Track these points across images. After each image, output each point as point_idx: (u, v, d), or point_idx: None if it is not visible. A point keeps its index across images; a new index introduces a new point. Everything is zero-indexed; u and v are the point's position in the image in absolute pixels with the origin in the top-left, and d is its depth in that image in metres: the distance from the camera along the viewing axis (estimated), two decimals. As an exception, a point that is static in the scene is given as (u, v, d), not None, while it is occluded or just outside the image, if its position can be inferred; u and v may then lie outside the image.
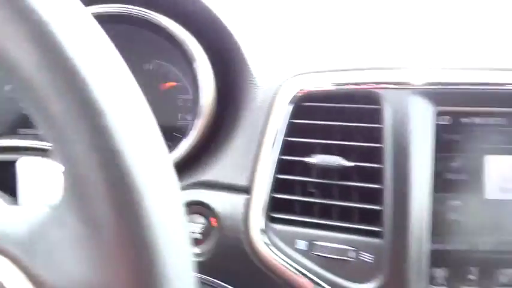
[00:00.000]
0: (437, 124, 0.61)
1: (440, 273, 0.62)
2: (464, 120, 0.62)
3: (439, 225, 0.61)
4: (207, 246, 0.66)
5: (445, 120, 0.61)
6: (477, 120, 0.62)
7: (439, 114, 0.60)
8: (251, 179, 0.63)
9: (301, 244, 0.60)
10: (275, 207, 0.63)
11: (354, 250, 0.58)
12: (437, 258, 0.61)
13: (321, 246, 0.60)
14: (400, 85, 0.58)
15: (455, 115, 0.61)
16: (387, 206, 0.57)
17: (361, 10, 0.76)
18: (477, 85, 0.60)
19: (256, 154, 0.63)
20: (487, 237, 0.62)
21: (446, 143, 0.62)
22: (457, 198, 0.62)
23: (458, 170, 0.62)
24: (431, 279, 0.61)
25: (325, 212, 0.61)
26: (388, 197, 0.57)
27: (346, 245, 0.59)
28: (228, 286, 0.66)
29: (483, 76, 0.60)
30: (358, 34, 0.69)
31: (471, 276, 0.62)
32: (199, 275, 0.66)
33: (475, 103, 0.61)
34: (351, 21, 0.73)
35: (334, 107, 0.61)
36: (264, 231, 0.61)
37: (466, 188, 0.62)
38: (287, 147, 0.63)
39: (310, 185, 0.62)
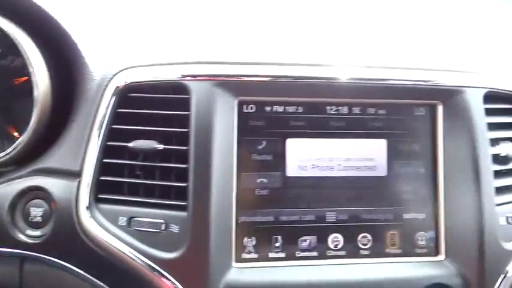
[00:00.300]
0: (242, 112, 0.71)
1: (249, 242, 0.71)
2: (267, 108, 0.72)
3: (246, 200, 0.71)
4: (47, 228, 0.71)
5: (250, 109, 0.71)
6: (279, 108, 0.73)
7: (242, 103, 0.70)
8: (82, 164, 0.69)
9: (122, 221, 0.67)
10: (103, 189, 0.70)
11: (164, 223, 0.66)
12: (246, 229, 0.71)
13: (138, 221, 0.67)
14: (205, 77, 0.68)
15: (259, 104, 0.71)
16: (191, 183, 0.66)
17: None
18: (275, 77, 0.70)
19: (87, 141, 0.70)
20: (289, 210, 0.72)
21: (252, 128, 0.72)
22: (262, 176, 0.72)
23: (263, 152, 0.72)
24: (242, 248, 0.71)
25: (143, 190, 0.69)
26: (192, 175, 0.66)
27: (158, 219, 0.66)
28: (66, 264, 0.71)
29: (281, 70, 0.70)
30: (176, 30, 0.77)
31: (277, 244, 0.72)
32: (40, 255, 0.71)
33: (275, 93, 0.71)
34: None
35: (152, 97, 0.69)
36: (90, 211, 0.68)
37: (269, 167, 0.72)
38: (112, 134, 0.70)
39: (131, 168, 0.69)
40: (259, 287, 0.67)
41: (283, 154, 0.72)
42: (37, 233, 0.71)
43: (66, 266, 0.71)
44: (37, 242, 0.70)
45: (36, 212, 0.72)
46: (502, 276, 0.73)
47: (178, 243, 0.65)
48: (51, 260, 0.71)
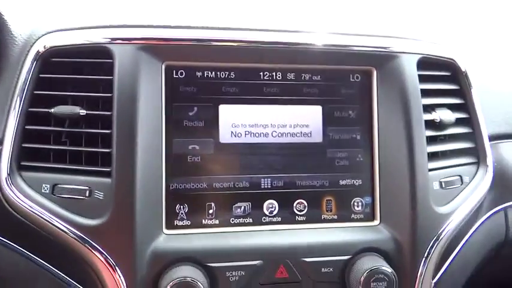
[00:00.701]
0: (172, 78, 0.69)
1: (181, 209, 0.70)
2: (198, 74, 0.71)
3: (177, 167, 0.70)
4: None
5: (180, 74, 0.70)
6: (210, 74, 0.71)
7: (171, 68, 0.68)
8: (4, 131, 0.67)
9: (46, 188, 0.65)
10: (27, 157, 0.67)
11: (88, 190, 0.64)
12: (178, 196, 0.70)
13: (62, 188, 0.65)
14: (128, 41, 0.65)
15: (189, 70, 0.70)
16: (115, 149, 0.64)
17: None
18: (202, 41, 0.68)
19: (9, 108, 0.67)
20: (222, 177, 0.71)
21: (182, 94, 0.70)
22: (194, 143, 0.70)
23: (194, 118, 0.70)
24: (174, 215, 0.70)
25: (67, 157, 0.67)
26: (115, 141, 0.64)
27: (83, 186, 0.65)
28: None
29: (209, 33, 0.69)
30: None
31: (210, 211, 0.71)
32: None
33: (205, 58, 0.70)
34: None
35: (75, 61, 0.67)
36: (12, 179, 0.65)
37: (201, 134, 0.71)
38: (35, 100, 0.67)
39: (56, 134, 0.67)
40: (188, 252, 0.66)
41: (216, 120, 0.71)
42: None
43: (-8, 237, 0.68)
44: None
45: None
46: (434, 239, 0.75)
47: (102, 210, 0.64)
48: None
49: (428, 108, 0.78)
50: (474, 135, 0.82)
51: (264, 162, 0.72)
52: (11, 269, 0.69)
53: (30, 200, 0.65)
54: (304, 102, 0.74)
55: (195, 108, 0.70)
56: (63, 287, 0.68)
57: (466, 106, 0.82)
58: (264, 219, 0.72)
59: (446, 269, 0.79)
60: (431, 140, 0.78)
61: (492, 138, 0.85)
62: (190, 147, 0.70)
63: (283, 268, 0.69)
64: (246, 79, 0.72)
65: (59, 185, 0.65)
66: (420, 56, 0.76)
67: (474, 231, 0.82)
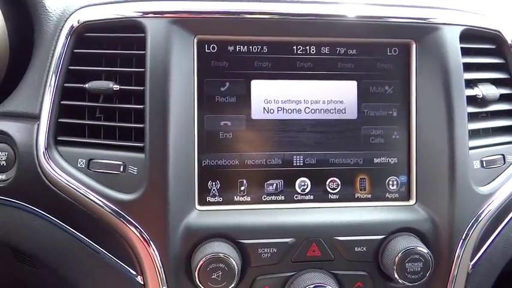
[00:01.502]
0: (204, 52, 0.68)
1: (213, 185, 0.70)
2: (230, 48, 0.69)
3: (209, 143, 0.69)
4: (12, 172, 0.70)
5: (211, 49, 0.68)
6: (242, 48, 0.70)
7: (203, 42, 0.67)
8: (41, 107, 0.68)
9: (81, 163, 0.66)
10: (62, 131, 0.68)
11: (123, 165, 0.65)
12: (210, 173, 0.69)
13: (97, 163, 0.66)
14: (160, 15, 0.64)
15: (221, 44, 0.68)
16: (147, 125, 0.64)
17: None
18: (236, 14, 0.66)
19: (45, 83, 0.68)
20: (254, 153, 0.70)
21: (214, 69, 0.69)
22: (226, 119, 0.70)
23: (226, 94, 0.69)
24: (206, 191, 0.69)
25: (102, 132, 0.67)
26: (148, 116, 0.64)
27: (117, 161, 0.65)
28: (31, 207, 0.71)
29: (242, 6, 0.67)
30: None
31: (242, 188, 0.71)
32: (6, 198, 0.71)
33: (237, 32, 0.68)
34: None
35: (108, 36, 0.66)
36: (49, 153, 0.67)
37: (233, 110, 0.70)
38: (70, 76, 0.68)
39: (90, 109, 0.68)
40: (220, 229, 0.66)
41: (248, 96, 0.70)
42: (2, 176, 0.70)
43: (31, 209, 0.70)
44: (2, 185, 0.70)
45: (0, 156, 0.71)
46: (473, 221, 0.72)
47: (136, 185, 0.64)
48: (17, 203, 0.70)
49: (470, 84, 0.74)
50: (519, 112, 0.78)
51: (296, 139, 0.71)
52: (48, 242, 0.71)
53: (67, 174, 0.66)
54: (339, 78, 0.71)
55: (227, 84, 0.69)
56: (98, 260, 0.70)
57: (511, 81, 0.78)
58: (296, 197, 0.71)
59: (485, 251, 0.76)
60: (473, 116, 0.74)
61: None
62: (222, 123, 0.69)
63: (316, 246, 0.68)
64: (279, 53, 0.70)
65: (94, 160, 0.66)
66: (463, 27, 0.72)
67: (516, 212, 0.79)
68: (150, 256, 0.65)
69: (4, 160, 0.71)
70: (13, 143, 0.69)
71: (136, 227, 0.65)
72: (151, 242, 0.65)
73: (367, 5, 0.70)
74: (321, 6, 0.69)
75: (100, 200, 0.65)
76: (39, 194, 0.69)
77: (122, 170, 0.65)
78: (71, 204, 0.68)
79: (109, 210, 0.65)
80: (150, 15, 0.65)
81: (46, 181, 0.67)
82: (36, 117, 0.68)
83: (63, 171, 0.66)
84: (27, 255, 0.80)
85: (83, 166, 0.66)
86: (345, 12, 0.69)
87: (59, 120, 0.67)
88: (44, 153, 0.66)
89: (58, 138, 0.68)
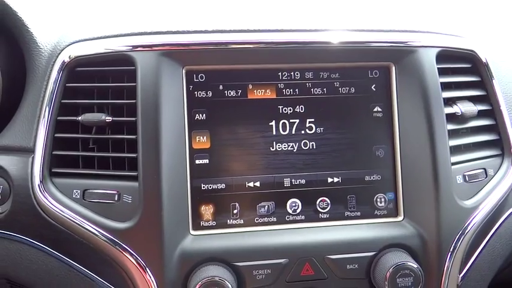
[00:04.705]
0: (192, 81, 0.71)
1: (206, 210, 0.71)
2: (218, 77, 0.72)
3: (201, 169, 0.71)
4: (7, 205, 0.71)
5: (200, 78, 0.71)
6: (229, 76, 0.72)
7: (190, 72, 0.70)
8: (35, 140, 0.70)
9: (76, 193, 0.68)
10: (57, 163, 0.70)
11: (117, 194, 0.67)
12: (203, 198, 0.71)
13: (92, 193, 0.67)
14: (149, 48, 0.67)
15: (208, 73, 0.71)
16: (140, 154, 0.66)
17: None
18: (221, 44, 0.69)
19: (38, 117, 0.70)
20: (245, 177, 0.72)
21: (203, 98, 0.71)
22: (217, 145, 0.72)
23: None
24: (200, 216, 0.71)
25: (95, 163, 0.69)
26: (140, 145, 0.66)
27: (112, 190, 0.67)
28: (27, 238, 0.72)
29: (227, 36, 0.70)
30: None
31: (235, 211, 0.72)
32: (1, 231, 0.71)
33: (224, 61, 0.71)
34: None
35: (99, 70, 0.69)
36: (44, 185, 0.68)
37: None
38: (63, 109, 0.70)
39: (84, 141, 0.69)
40: (215, 253, 0.67)
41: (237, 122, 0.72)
42: (-3, 210, 0.71)
43: (28, 240, 0.71)
44: None
45: (-5, 190, 0.72)
46: (459, 234, 0.74)
47: (131, 213, 0.66)
48: (13, 235, 0.71)
49: (449, 102, 0.78)
50: (498, 127, 0.81)
51: (285, 161, 0.73)
52: (45, 273, 0.72)
53: (62, 205, 0.68)
54: (323, 100, 0.74)
55: (216, 112, 0.72)
56: (95, 288, 0.71)
57: (488, 98, 0.81)
58: (288, 217, 0.73)
59: (473, 263, 0.78)
60: (453, 133, 0.77)
61: (516, 129, 0.84)
62: (212, 149, 0.71)
63: (309, 266, 0.70)
64: (264, 80, 0.73)
65: (89, 190, 0.68)
66: (439, 49, 0.76)
67: (501, 224, 0.81)
68: (147, 282, 0.66)
69: (0, 194, 0.72)
70: (8, 176, 0.70)
71: (132, 255, 0.66)
72: (147, 269, 0.66)
73: (348, 31, 0.74)
74: (303, 34, 0.72)
75: (96, 230, 0.66)
76: (35, 226, 0.70)
77: (116, 199, 0.67)
78: (67, 235, 0.69)
79: (105, 239, 0.66)
80: (139, 48, 0.67)
81: (42, 213, 0.69)
82: (30, 151, 0.70)
83: (58, 202, 0.67)
84: (24, 286, 0.81)
85: (78, 197, 0.68)
86: (327, 38, 0.73)
87: (53, 152, 0.69)
88: (39, 185, 0.68)
89: (53, 170, 0.70)
